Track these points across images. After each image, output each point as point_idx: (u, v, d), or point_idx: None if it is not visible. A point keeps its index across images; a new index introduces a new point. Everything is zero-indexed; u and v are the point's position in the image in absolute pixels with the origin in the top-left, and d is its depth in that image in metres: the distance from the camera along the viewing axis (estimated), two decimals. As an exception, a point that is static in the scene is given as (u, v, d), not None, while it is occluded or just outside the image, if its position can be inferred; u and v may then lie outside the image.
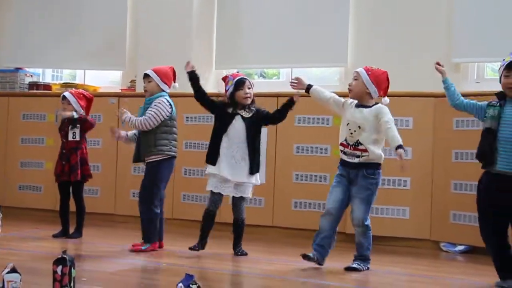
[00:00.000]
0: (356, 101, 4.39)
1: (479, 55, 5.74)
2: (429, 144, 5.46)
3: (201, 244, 4.70)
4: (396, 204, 5.51)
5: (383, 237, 5.49)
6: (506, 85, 3.79)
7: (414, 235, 5.48)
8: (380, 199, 5.47)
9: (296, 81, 4.59)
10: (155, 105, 4.77)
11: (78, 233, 5.32)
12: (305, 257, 4.28)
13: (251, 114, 4.72)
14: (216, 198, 4.71)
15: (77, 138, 5.27)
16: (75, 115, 5.25)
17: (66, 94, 5.33)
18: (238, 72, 4.87)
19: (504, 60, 3.82)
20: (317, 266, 4.30)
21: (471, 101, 4.02)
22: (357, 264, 4.27)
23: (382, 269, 4.42)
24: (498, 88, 3.93)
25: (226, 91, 4.76)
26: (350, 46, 6.19)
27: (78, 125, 5.27)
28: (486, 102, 3.93)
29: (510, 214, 3.78)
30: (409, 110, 5.52)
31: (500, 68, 3.86)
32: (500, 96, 3.85)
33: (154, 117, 4.73)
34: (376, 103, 4.37)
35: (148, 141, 4.78)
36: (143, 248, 4.76)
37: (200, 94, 4.81)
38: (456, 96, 4.06)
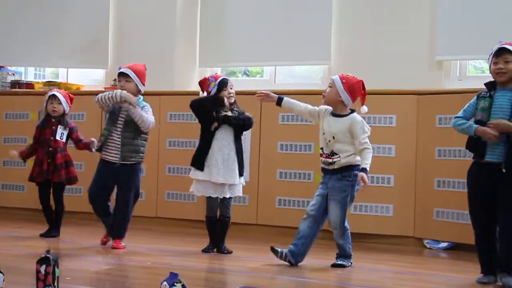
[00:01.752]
0: (331, 109, 4.42)
1: (462, 52, 5.78)
2: (412, 141, 5.48)
3: (213, 246, 4.76)
4: (379, 202, 5.53)
5: (367, 235, 5.51)
6: (494, 71, 3.83)
7: (398, 233, 5.51)
8: (364, 197, 5.50)
9: (263, 94, 4.60)
10: (149, 111, 4.83)
11: (56, 232, 5.30)
12: (273, 250, 4.36)
13: (236, 114, 4.73)
14: (212, 203, 4.74)
15: (64, 140, 5.27)
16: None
17: (56, 93, 5.31)
18: (217, 73, 4.86)
19: (493, 48, 3.86)
20: (301, 264, 4.34)
21: (469, 109, 3.98)
22: (342, 260, 4.32)
23: (366, 267, 4.43)
24: (481, 86, 3.96)
25: (209, 92, 4.75)
26: (333, 44, 6.20)
27: (67, 128, 5.26)
28: (473, 100, 3.95)
29: (498, 205, 3.80)
30: (392, 107, 5.55)
31: (489, 56, 3.88)
32: (489, 86, 3.87)
33: (152, 120, 4.81)
34: (352, 111, 4.37)
35: (134, 145, 4.82)
36: (123, 244, 4.80)
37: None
38: (468, 128, 3.93)
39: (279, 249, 4.36)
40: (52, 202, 5.37)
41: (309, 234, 4.35)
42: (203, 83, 4.81)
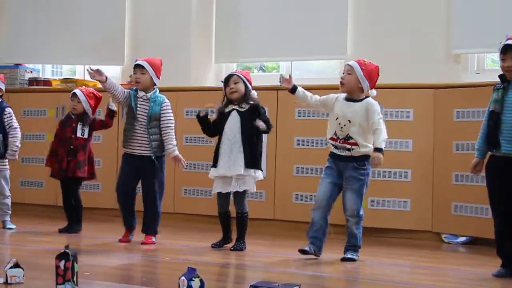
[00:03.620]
0: (344, 95, 4.43)
1: (479, 46, 5.74)
2: (429, 135, 5.45)
3: (222, 242, 4.77)
4: (397, 196, 5.51)
5: (385, 229, 5.50)
6: (503, 68, 3.82)
7: (416, 227, 5.49)
8: (381, 191, 5.50)
9: (286, 78, 4.54)
10: (167, 112, 4.89)
11: (78, 226, 5.35)
12: (302, 251, 4.35)
13: (247, 108, 4.69)
14: (221, 198, 4.72)
15: (86, 136, 5.29)
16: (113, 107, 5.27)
17: (77, 91, 5.34)
18: (237, 70, 4.90)
19: (500, 43, 3.83)
20: (317, 258, 4.33)
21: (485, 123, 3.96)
22: (351, 254, 4.31)
23: (384, 261, 4.42)
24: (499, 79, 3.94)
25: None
26: (349, 39, 6.19)
27: (88, 123, 5.29)
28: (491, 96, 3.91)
29: None
30: (409, 101, 5.52)
31: (498, 52, 3.87)
32: (503, 78, 3.85)
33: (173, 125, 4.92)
34: (366, 97, 4.39)
35: (160, 140, 4.86)
36: (154, 239, 4.84)
37: (208, 132, 4.85)
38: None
39: (307, 248, 4.35)
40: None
41: (324, 225, 4.38)
42: None
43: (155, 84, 4.94)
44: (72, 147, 5.26)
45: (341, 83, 4.42)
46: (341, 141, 4.33)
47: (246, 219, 4.72)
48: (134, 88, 4.97)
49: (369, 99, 4.37)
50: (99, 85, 6.99)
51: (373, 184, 5.44)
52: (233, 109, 4.70)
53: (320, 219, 4.37)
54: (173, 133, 4.87)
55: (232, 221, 4.80)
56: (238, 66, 6.91)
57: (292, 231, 5.71)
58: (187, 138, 6.23)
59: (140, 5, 7.03)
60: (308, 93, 4.55)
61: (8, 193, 5.52)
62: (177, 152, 4.84)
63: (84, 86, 5.67)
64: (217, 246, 4.74)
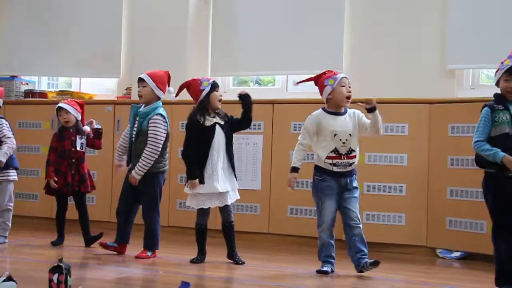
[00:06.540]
0: (320, 111, 4.44)
1: (474, 61, 5.76)
2: (424, 150, 5.46)
3: (202, 256, 4.74)
4: (392, 211, 5.51)
5: (379, 244, 5.49)
6: (506, 89, 3.77)
7: (410, 242, 5.48)
8: (376, 206, 5.50)
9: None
10: (152, 127, 4.79)
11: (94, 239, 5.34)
12: (323, 272, 4.33)
13: (225, 121, 4.72)
14: (204, 212, 4.73)
15: (84, 149, 5.29)
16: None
17: (62, 105, 5.33)
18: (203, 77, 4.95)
19: (503, 63, 3.79)
20: (312, 273, 4.33)
21: (486, 128, 3.85)
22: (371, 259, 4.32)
23: (378, 276, 4.41)
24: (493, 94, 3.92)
25: (201, 91, 4.70)
26: (345, 53, 6.20)
27: (84, 136, 5.30)
28: (487, 114, 3.84)
29: None
30: (404, 116, 5.53)
31: (497, 70, 3.82)
32: (499, 98, 3.82)
33: (158, 143, 4.77)
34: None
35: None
36: (149, 254, 4.81)
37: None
38: (494, 154, 3.78)
39: (325, 268, 4.34)
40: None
41: (332, 241, 4.42)
42: (193, 84, 4.77)
43: (159, 98, 4.93)
44: (73, 160, 5.25)
45: (350, 96, 4.44)
46: (345, 157, 4.33)
47: (233, 229, 4.73)
48: (139, 104, 4.97)
49: (347, 109, 4.45)
50: (95, 97, 7.06)
51: (368, 198, 5.46)
52: (215, 122, 4.69)
53: (329, 238, 4.41)
54: (150, 153, 4.75)
55: (218, 233, 4.84)
56: (234, 79, 6.93)
57: (287, 245, 5.70)
58: (181, 151, 6.21)
59: (136, 19, 7.04)
60: (301, 159, 4.43)
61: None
62: (134, 174, 4.77)
63: (64, 99, 5.68)
64: (199, 261, 4.69)
